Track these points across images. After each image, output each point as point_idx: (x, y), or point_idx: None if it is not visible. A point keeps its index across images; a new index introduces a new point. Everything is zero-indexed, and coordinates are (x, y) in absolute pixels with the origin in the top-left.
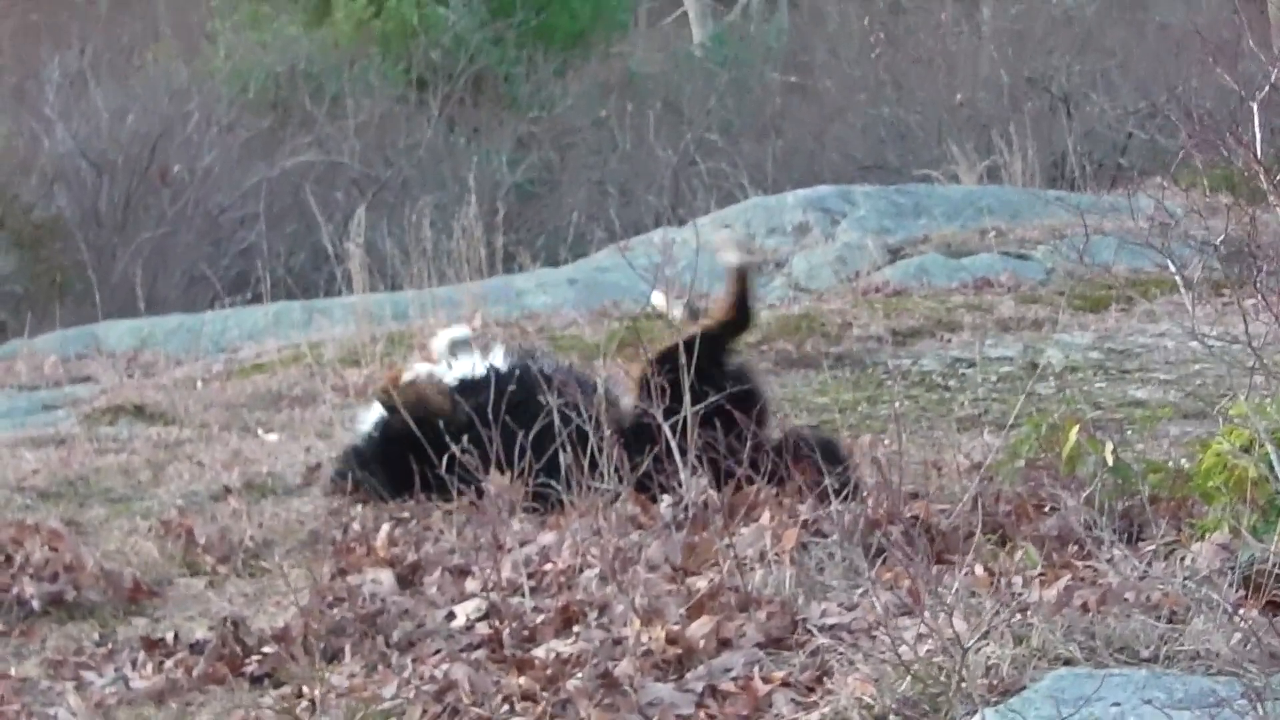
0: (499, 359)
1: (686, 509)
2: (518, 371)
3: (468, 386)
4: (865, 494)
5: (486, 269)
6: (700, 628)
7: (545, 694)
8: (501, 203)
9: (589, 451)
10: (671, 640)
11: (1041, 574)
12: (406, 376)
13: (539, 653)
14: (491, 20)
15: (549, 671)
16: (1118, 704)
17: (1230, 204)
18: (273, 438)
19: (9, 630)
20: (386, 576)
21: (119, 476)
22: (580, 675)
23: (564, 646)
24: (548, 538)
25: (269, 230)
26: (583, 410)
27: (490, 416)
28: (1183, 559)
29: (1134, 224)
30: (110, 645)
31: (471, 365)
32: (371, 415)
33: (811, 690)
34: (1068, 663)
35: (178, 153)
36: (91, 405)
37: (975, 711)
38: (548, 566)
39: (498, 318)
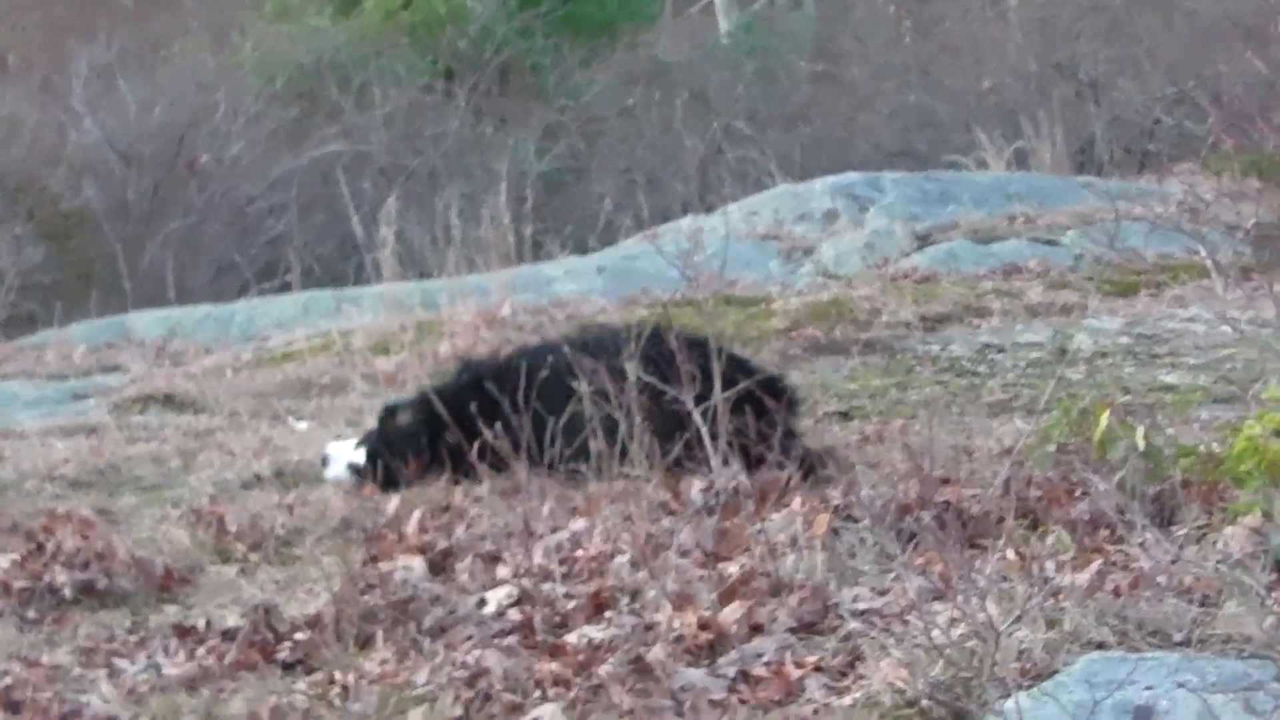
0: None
1: (717, 494)
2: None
3: None
4: (896, 478)
5: (515, 257)
6: (732, 613)
7: (577, 680)
8: (529, 191)
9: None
10: (703, 625)
11: (1073, 558)
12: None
13: (571, 638)
14: (519, 11)
15: (581, 657)
16: (1151, 687)
17: (1260, 189)
18: (303, 426)
19: (41, 618)
20: (418, 563)
21: (149, 465)
22: (612, 661)
23: (596, 632)
24: (579, 524)
25: (298, 220)
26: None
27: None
28: (1215, 543)
29: (1163, 209)
30: (142, 633)
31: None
32: None
33: (844, 675)
34: (1100, 646)
35: (205, 143)
36: (121, 394)
37: (1008, 695)
38: (579, 552)
39: (526, 305)
